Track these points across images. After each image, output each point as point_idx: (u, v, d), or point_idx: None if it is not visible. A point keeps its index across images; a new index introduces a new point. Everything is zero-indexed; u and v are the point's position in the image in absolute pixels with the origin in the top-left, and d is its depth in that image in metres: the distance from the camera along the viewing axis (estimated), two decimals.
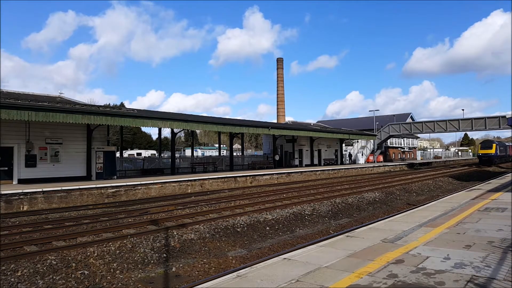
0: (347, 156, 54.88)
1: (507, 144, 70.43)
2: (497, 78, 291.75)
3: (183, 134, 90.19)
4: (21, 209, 15.92)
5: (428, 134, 63.76)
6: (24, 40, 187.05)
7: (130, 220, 13.12)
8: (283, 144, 43.76)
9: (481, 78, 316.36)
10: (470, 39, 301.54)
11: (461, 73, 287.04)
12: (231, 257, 9.46)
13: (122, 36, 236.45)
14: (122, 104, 76.77)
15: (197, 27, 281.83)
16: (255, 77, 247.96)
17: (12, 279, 7.25)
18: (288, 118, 72.33)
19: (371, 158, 55.75)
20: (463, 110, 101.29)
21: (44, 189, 16.85)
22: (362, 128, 58.09)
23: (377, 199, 19.45)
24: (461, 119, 47.75)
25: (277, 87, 79.62)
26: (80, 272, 7.83)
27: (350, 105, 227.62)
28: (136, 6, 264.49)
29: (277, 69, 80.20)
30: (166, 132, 69.79)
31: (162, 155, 38.88)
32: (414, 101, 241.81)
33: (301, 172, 33.56)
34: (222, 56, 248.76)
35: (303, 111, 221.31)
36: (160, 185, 21.56)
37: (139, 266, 8.60)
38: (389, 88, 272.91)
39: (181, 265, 8.70)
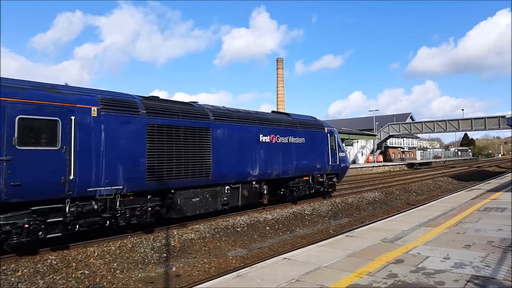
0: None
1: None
2: (500, 78, 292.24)
3: None
4: None
5: (428, 134, 63.82)
6: (30, 40, 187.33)
7: None
8: None
9: (485, 78, 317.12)
10: (474, 38, 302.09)
11: (464, 73, 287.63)
12: (231, 257, 9.48)
13: (127, 36, 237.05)
14: None
15: (203, 27, 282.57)
16: (259, 77, 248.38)
17: (13, 279, 7.24)
18: None
19: (370, 158, 55.81)
20: (462, 110, 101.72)
21: None
22: (363, 128, 58.09)
23: (377, 199, 19.45)
24: (461, 119, 47.78)
25: (277, 87, 79.65)
26: (80, 272, 7.84)
27: (353, 105, 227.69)
28: (143, 6, 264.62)
29: (277, 69, 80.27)
30: None
31: None
32: (417, 101, 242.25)
33: None
34: (227, 56, 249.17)
35: (305, 111, 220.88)
36: None
37: (139, 265, 8.61)
38: (392, 88, 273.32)
39: (181, 264, 8.71)
